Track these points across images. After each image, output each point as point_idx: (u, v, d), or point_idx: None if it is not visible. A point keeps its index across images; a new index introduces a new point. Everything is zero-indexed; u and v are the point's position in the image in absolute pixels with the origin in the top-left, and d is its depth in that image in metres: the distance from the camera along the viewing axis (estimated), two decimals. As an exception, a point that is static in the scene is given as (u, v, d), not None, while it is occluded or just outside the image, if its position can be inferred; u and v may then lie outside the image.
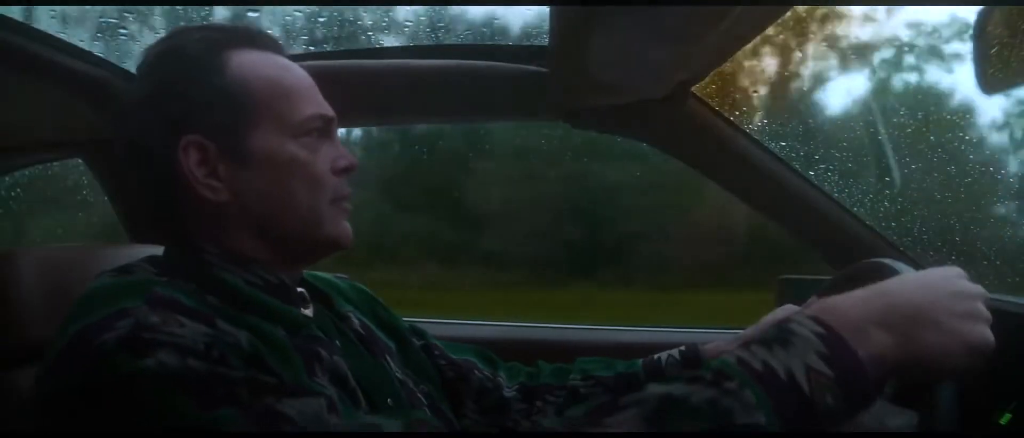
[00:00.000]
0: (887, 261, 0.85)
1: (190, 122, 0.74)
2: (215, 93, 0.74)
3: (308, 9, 1.32)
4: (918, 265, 1.28)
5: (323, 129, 0.79)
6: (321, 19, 1.35)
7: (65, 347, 0.62)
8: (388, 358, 0.88)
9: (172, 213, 0.77)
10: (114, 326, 0.59)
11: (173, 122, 0.74)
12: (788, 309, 1.05)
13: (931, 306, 0.61)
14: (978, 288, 0.64)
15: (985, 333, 0.61)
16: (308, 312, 0.82)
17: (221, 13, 1.35)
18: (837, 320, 0.59)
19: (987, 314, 0.63)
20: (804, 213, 1.35)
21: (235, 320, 0.66)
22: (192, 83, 0.75)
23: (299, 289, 0.83)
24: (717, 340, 1.04)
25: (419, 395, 0.87)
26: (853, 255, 1.19)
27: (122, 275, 0.71)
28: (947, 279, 0.64)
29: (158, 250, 0.80)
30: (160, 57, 0.77)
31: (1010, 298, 1.07)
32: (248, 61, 0.77)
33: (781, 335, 0.59)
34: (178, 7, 1.33)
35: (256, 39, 0.80)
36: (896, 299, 0.62)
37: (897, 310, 0.61)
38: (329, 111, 0.81)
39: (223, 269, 0.75)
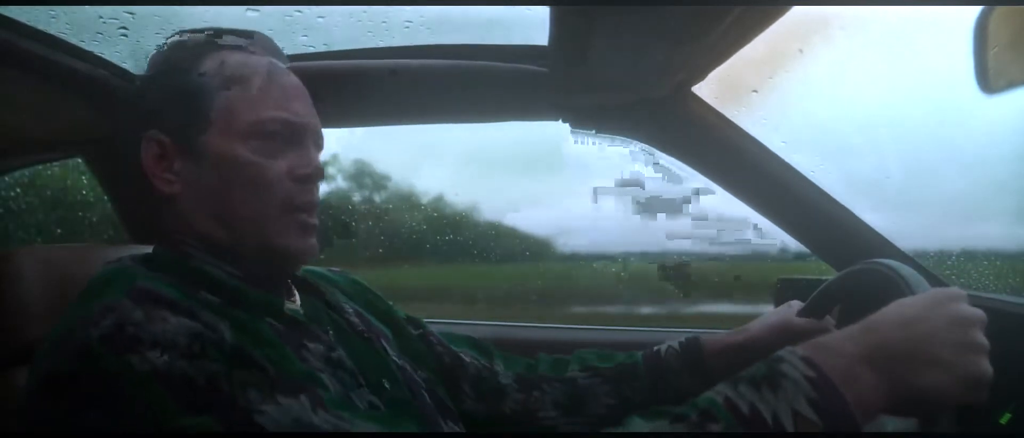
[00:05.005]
0: (887, 262, 0.84)
1: (153, 119, 0.78)
2: (177, 93, 0.77)
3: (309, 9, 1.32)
4: (918, 266, 1.28)
5: (286, 134, 0.78)
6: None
7: (55, 340, 0.64)
8: (384, 344, 0.89)
9: (152, 207, 0.79)
10: (99, 322, 0.60)
11: (140, 118, 0.79)
12: (782, 311, 1.05)
13: (926, 340, 0.59)
14: (977, 313, 0.61)
15: (982, 366, 0.59)
16: (294, 303, 0.82)
17: (226, 12, 1.35)
18: (828, 362, 0.58)
19: (985, 343, 0.60)
20: (804, 214, 1.35)
21: (220, 312, 0.66)
22: (162, 83, 0.79)
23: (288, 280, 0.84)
24: (718, 333, 1.04)
25: (418, 379, 0.88)
26: (854, 256, 1.19)
27: (110, 264, 0.74)
28: (943, 305, 0.61)
29: None
30: (150, 59, 0.82)
31: (1010, 298, 1.07)
32: (219, 63, 0.78)
33: (771, 375, 0.58)
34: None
35: (247, 43, 0.81)
36: (889, 335, 0.60)
37: (890, 348, 0.59)
38: (297, 117, 0.79)
39: (205, 262, 0.76)
